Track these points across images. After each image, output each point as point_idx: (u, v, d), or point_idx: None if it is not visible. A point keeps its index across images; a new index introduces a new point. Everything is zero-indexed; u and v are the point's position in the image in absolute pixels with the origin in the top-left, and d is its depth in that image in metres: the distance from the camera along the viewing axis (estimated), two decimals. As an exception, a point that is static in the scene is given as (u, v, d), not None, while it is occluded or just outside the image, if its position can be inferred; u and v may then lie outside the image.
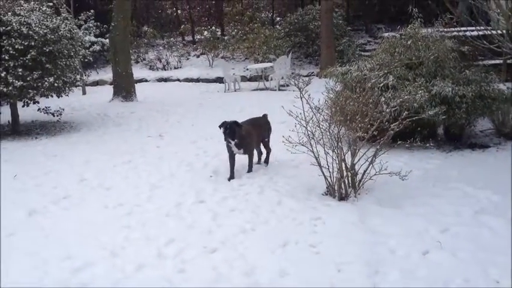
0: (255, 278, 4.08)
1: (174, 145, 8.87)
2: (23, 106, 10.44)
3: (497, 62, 9.97)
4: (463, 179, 6.39)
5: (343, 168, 5.85)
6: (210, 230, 5.04)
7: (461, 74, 8.11)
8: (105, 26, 17.25)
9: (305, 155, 6.03)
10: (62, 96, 10.90)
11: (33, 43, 9.59)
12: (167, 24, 24.67)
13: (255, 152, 7.28)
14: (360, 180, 6.00)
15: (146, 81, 18.99)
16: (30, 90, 9.78)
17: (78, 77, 11.38)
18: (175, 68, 20.21)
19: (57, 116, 11.15)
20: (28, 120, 11.60)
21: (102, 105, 13.93)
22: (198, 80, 18.81)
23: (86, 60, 12.13)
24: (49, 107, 11.01)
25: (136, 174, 7.14)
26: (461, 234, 4.78)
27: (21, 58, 9.51)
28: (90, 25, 18.13)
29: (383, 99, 7.11)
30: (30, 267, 4.34)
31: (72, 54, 10.72)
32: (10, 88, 9.40)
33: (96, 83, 18.71)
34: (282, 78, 15.99)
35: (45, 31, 9.77)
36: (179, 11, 25.37)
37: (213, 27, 22.71)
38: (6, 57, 9.39)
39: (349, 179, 5.96)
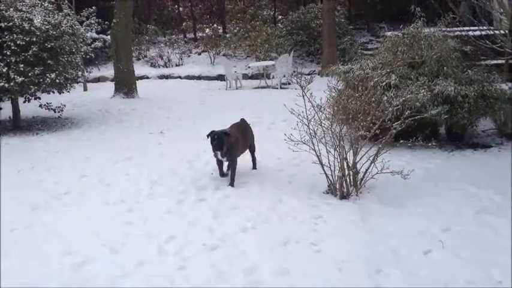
0: (255, 276, 4.06)
1: (175, 142, 8.85)
2: (24, 102, 10.43)
3: (500, 62, 9.93)
4: (465, 179, 6.37)
5: (345, 167, 5.84)
6: (211, 228, 5.02)
7: (464, 73, 8.08)
8: (106, 22, 17.15)
9: (307, 154, 6.00)
10: (63, 92, 10.89)
11: (34, 39, 9.58)
12: (169, 21, 24.61)
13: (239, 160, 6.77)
14: (362, 179, 5.98)
15: (148, 78, 18.97)
16: (31, 86, 9.76)
17: (79, 73, 11.36)
18: (176, 65, 20.18)
19: (59, 112, 11.15)
20: (29, 116, 11.59)
21: (104, 101, 13.92)
22: (199, 78, 18.79)
23: (88, 56, 12.10)
24: (50, 103, 11.00)
25: (137, 170, 7.12)
26: (463, 234, 4.77)
27: (22, 54, 9.49)
28: (92, 21, 17.99)
29: (385, 98, 7.11)
30: (31, 262, 4.33)
31: (73, 50, 10.70)
32: (11, 84, 9.38)
33: (98, 80, 18.69)
34: (284, 76, 15.97)
35: (47, 27, 9.76)
36: (181, 9, 25.34)
37: (215, 25, 22.72)
38: (8, 53, 9.37)
39: (351, 177, 5.95)
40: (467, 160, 7.34)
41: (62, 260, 4.35)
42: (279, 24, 21.28)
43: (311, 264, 4.26)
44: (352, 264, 4.21)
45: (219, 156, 6.42)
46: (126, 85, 14.60)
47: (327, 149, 5.87)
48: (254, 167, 7.10)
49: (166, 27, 23.86)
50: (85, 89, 16.31)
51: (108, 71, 18.19)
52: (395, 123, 5.81)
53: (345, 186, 5.85)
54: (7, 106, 10.73)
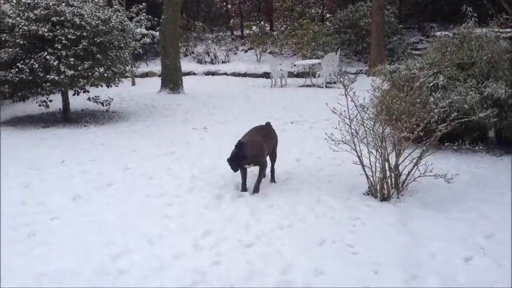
0: (289, 276, 4.02)
1: (217, 138, 8.92)
2: (74, 95, 10.77)
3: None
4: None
5: (387, 168, 5.73)
6: (247, 224, 5.02)
7: (516, 76, 7.77)
8: (156, 18, 17.52)
9: (347, 154, 5.92)
10: (111, 86, 11.18)
11: (85, 33, 9.86)
12: (217, 18, 24.81)
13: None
14: (404, 182, 5.84)
15: (194, 74, 19.17)
16: (80, 80, 10.07)
17: (127, 68, 11.62)
18: (223, 62, 20.33)
19: (106, 105, 11.44)
20: (78, 109, 11.95)
21: (150, 96, 14.17)
22: (245, 75, 18.85)
23: (136, 52, 12.36)
24: (98, 97, 11.30)
25: (179, 165, 7.22)
26: (507, 242, 4.57)
27: (73, 48, 9.80)
28: (142, 18, 18.46)
29: (432, 99, 6.93)
30: (71, 251, 4.44)
31: (122, 45, 10.97)
32: (62, 77, 9.69)
33: (146, 75, 19.05)
34: (330, 75, 15.82)
35: (96, 22, 10.02)
36: (229, 6, 25.49)
37: (262, 22, 22.69)
38: (59, 47, 9.69)
39: (392, 179, 5.82)
40: (517, 165, 7.06)
41: (102, 250, 4.44)
42: (327, 23, 21.06)
43: (346, 265, 4.19)
44: (389, 268, 4.11)
45: (246, 165, 6.03)
46: (172, 81, 14.81)
47: (368, 149, 5.76)
48: (272, 179, 6.48)
49: (214, 24, 24.05)
50: (133, 84, 16.64)
51: (156, 66, 18.50)
52: (441, 125, 5.65)
53: (385, 188, 5.74)
54: (58, 99, 11.08)
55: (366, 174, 5.82)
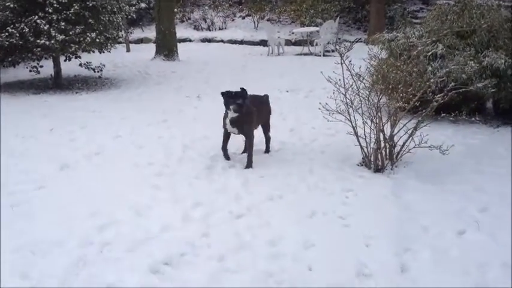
0: (278, 248, 3.94)
1: (211, 107, 8.71)
2: (65, 60, 10.54)
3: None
4: (509, 157, 6.03)
5: (381, 139, 5.60)
6: (238, 196, 4.90)
7: (516, 45, 7.58)
8: (152, -18, 17.13)
9: (342, 124, 5.79)
10: (103, 52, 10.95)
11: (77, -4, 9.58)
12: (214, -17, 24.30)
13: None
14: (398, 153, 5.73)
15: (190, 41, 18.87)
16: (72, 45, 9.84)
17: (120, 33, 11.37)
18: (219, 28, 19.98)
19: (98, 72, 11.23)
20: (71, 75, 11.75)
21: (144, 63, 13.95)
22: (242, 42, 18.56)
23: (130, 17, 12.08)
24: (90, 63, 11.07)
25: (170, 134, 7.08)
26: (502, 215, 4.47)
27: (64, 12, 9.54)
28: (137, -19, 18.05)
29: (430, 68, 6.77)
30: (56, 222, 4.32)
31: (115, 10, 10.70)
32: (52, 41, 9.46)
33: (141, 41, 18.74)
34: (328, 43, 15.55)
35: (89, -16, 9.73)
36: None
37: (261, -12, 22.24)
38: (50, 10, 9.44)
39: (387, 150, 5.71)
40: (514, 137, 6.95)
41: (87, 221, 4.32)
42: (326, -11, 20.64)
43: (337, 238, 4.11)
44: (380, 241, 4.03)
45: (229, 127, 5.71)
46: (167, 47, 14.55)
47: (363, 119, 5.63)
48: (267, 149, 6.30)
49: (212, -12, 23.56)
50: (128, 50, 16.38)
51: (152, 32, 18.14)
52: (438, 95, 5.50)
53: (380, 159, 5.63)
54: (49, 64, 10.86)
55: (360, 145, 5.70)
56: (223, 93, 5.60)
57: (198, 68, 13.04)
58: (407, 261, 3.76)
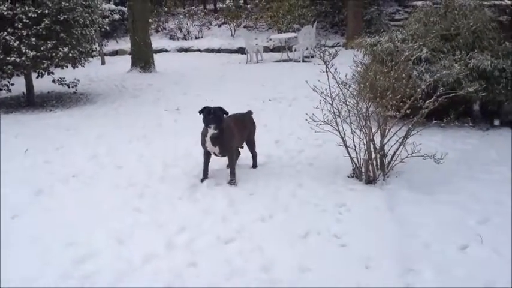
0: (272, 274, 3.66)
1: (192, 120, 8.37)
2: (38, 77, 10.15)
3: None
4: (502, 161, 5.88)
5: (372, 149, 5.37)
6: (226, 217, 4.60)
7: (501, 45, 7.45)
8: (125, -7, 16.80)
9: (330, 134, 5.54)
10: (77, 66, 10.58)
11: (47, 11, 9.22)
12: (189, -8, 24.07)
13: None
14: (390, 163, 5.50)
15: (166, 51, 18.59)
16: (44, 61, 9.44)
17: (94, 46, 11.01)
18: (196, 37, 19.72)
19: (72, 87, 10.86)
20: (44, 92, 11.33)
21: (120, 76, 13.60)
22: (219, 51, 18.32)
23: (103, 29, 11.72)
24: (63, 78, 10.69)
25: (150, 151, 6.76)
26: (504, 226, 4.28)
27: (34, 27, 9.15)
28: (110, -8, 17.68)
29: (415, 72, 6.59)
30: (30, 255, 3.99)
31: (88, 23, 10.32)
32: (23, 58, 9.06)
33: (116, 53, 18.40)
34: (307, 49, 15.39)
35: (59, -2, 9.37)
36: (201, -21, 24.70)
37: (236, -5, 22.06)
38: (19, 26, 9.04)
39: (378, 160, 5.48)
40: (504, 140, 6.78)
41: (64, 253, 3.99)
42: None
43: (334, 260, 3.84)
44: (380, 262, 3.77)
45: (209, 146, 5.40)
46: (143, 59, 14.23)
47: (352, 129, 5.41)
48: (254, 165, 6.04)
49: (186, -2, 23.33)
50: (102, 63, 16.02)
51: (127, 44, 17.81)
52: (428, 101, 5.30)
53: (371, 169, 5.39)
54: (21, 82, 10.44)
55: (350, 155, 5.47)
56: (202, 111, 5.33)
57: (176, 80, 12.74)
58: (410, 283, 3.51)
